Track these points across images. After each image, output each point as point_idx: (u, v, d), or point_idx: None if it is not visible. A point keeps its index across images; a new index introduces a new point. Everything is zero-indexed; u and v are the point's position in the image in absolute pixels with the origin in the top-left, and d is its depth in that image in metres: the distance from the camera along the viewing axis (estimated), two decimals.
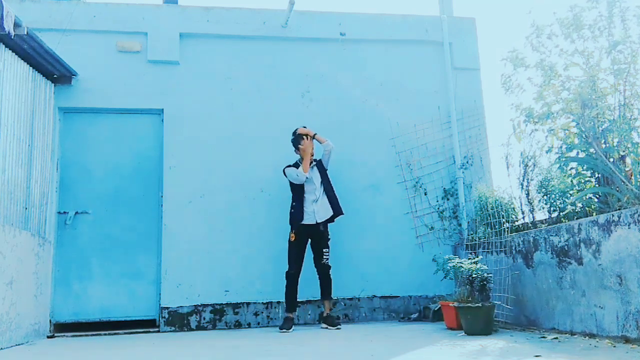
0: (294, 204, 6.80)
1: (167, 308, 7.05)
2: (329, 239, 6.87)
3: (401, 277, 7.58)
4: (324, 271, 6.78)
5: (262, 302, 7.24)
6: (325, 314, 6.79)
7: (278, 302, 7.23)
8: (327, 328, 6.61)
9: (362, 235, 7.61)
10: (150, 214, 7.38)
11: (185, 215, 7.31)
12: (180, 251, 7.21)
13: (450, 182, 7.95)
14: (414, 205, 7.81)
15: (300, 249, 6.74)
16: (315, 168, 6.95)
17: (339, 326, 6.59)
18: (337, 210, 6.85)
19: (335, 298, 7.32)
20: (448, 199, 7.89)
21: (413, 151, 7.93)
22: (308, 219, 6.73)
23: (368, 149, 7.85)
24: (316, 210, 6.76)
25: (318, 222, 6.75)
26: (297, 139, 6.98)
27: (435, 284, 7.36)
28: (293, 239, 6.69)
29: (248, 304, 7.19)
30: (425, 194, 7.86)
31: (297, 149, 6.98)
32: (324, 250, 6.79)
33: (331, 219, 6.90)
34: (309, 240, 6.82)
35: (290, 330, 6.47)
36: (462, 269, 6.08)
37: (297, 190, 6.84)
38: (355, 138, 7.84)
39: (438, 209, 7.85)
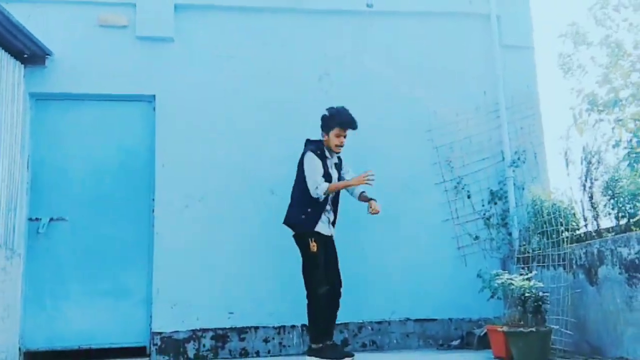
0: (308, 209, 6.70)
1: (160, 333, 7.24)
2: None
3: (440, 296, 7.76)
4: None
5: (274, 327, 7.47)
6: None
7: (292, 327, 7.45)
8: None
9: (392, 247, 7.80)
10: (140, 220, 7.58)
11: (181, 222, 7.51)
12: (175, 265, 7.38)
13: (499, 182, 8.13)
14: (455, 211, 8.02)
15: (325, 258, 6.71)
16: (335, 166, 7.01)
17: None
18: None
19: (361, 322, 7.60)
20: (496, 203, 8.09)
21: (454, 146, 8.10)
22: (324, 229, 6.76)
23: (400, 143, 8.04)
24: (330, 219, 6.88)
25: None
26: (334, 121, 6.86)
27: (481, 305, 7.41)
28: (315, 248, 6.57)
29: (256, 328, 7.41)
30: (469, 197, 8.05)
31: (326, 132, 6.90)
32: (338, 267, 6.90)
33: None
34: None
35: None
36: (513, 286, 6.19)
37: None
38: (384, 130, 8.01)
39: (484, 215, 8.04)
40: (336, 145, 6.85)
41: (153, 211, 7.56)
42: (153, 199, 7.58)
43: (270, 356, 7.37)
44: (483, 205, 8.10)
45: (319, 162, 6.71)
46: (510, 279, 6.31)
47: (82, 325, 7.29)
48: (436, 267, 7.84)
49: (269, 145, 7.74)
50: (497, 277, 6.48)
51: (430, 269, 7.81)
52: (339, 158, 7.05)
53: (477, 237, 7.98)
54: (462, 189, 8.08)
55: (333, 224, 6.90)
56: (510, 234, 7.98)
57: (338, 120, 6.80)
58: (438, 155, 8.10)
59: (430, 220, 7.96)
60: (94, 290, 7.38)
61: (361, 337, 7.61)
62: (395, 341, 7.66)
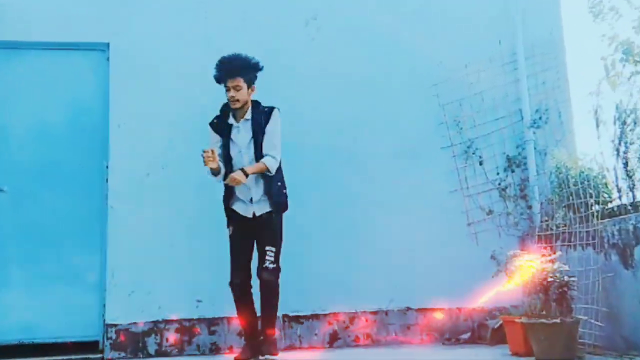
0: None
1: (115, 325, 6.84)
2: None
3: (446, 281, 7.31)
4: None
5: None
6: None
7: None
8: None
9: (389, 223, 7.36)
10: (91, 192, 7.17)
11: (141, 193, 7.12)
12: (133, 245, 6.98)
13: (516, 146, 7.74)
14: (465, 180, 7.60)
15: (242, 244, 6.23)
16: (249, 123, 6.27)
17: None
18: (274, 205, 6.14)
19: (354, 312, 7.10)
20: (513, 171, 7.65)
21: (463, 103, 7.67)
22: (241, 208, 6.18)
23: (400, 100, 7.63)
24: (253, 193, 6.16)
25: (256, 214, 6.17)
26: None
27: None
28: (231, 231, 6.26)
29: (229, 319, 6.92)
30: (481, 163, 7.63)
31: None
32: (267, 248, 6.13)
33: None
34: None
35: None
36: (533, 269, 5.88)
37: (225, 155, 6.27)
38: (381, 84, 7.63)
39: (499, 184, 7.63)
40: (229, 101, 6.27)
41: (107, 181, 7.12)
42: (107, 166, 7.13)
43: None
44: (498, 174, 7.66)
45: (212, 136, 6.32)
46: (530, 260, 6.00)
47: (24, 316, 6.91)
48: (442, 247, 7.40)
49: None
50: (515, 258, 6.14)
51: (435, 248, 7.39)
52: (259, 116, 6.28)
53: (490, 211, 7.57)
54: (473, 154, 7.65)
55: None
56: (530, 208, 7.59)
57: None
58: (445, 114, 7.64)
59: (434, 191, 7.54)
60: (37, 274, 6.98)
61: (353, 329, 7.19)
62: (394, 334, 7.25)
